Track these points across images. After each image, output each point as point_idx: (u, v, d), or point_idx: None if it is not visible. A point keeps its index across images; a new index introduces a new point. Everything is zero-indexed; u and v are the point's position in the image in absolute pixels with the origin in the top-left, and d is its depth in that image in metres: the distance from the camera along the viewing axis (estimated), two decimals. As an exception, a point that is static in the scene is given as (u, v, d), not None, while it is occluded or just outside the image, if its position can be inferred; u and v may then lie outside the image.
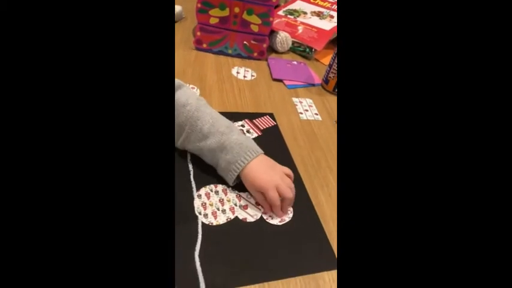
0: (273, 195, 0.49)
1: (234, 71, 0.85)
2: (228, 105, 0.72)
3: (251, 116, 0.70)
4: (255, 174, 0.50)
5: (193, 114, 0.53)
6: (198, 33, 0.85)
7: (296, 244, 0.48)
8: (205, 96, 0.73)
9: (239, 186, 0.53)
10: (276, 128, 0.69)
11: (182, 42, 0.90)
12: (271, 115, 0.72)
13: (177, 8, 0.99)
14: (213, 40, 0.86)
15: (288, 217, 0.51)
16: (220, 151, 0.52)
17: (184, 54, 0.85)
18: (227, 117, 0.56)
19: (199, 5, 0.80)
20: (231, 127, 0.54)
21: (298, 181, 0.58)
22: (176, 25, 0.98)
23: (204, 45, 0.87)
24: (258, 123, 0.69)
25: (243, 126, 0.68)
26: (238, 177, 0.52)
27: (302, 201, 0.55)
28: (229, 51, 0.89)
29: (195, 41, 0.86)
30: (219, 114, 0.56)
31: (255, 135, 0.66)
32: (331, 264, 0.46)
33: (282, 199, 0.50)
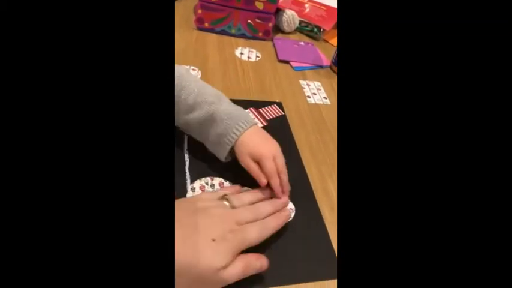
0: (271, 165, 0.44)
1: (237, 52, 0.80)
2: (231, 89, 0.68)
3: (258, 105, 0.66)
4: (250, 143, 0.45)
5: (175, 82, 0.47)
6: (200, 11, 0.79)
7: (297, 247, 0.44)
8: (207, 79, 0.69)
9: (239, 178, 0.49)
10: (283, 118, 0.64)
11: (183, 21, 0.85)
12: (279, 104, 0.68)
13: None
14: (216, 19, 0.81)
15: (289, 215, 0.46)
16: (210, 124, 0.47)
17: (185, 35, 0.80)
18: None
19: (200, -20, 0.75)
20: (218, 96, 0.49)
21: (303, 175, 0.55)
22: (176, 3, 0.93)
23: (206, 25, 0.82)
24: (264, 113, 0.64)
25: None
26: (232, 153, 0.48)
27: (306, 196, 0.51)
28: (233, 31, 0.84)
29: (196, 20, 0.81)
30: (203, 81, 0.51)
31: (260, 125, 0.62)
32: (333, 272, 0.42)
33: (279, 173, 0.45)
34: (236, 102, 0.69)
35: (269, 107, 0.66)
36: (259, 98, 0.68)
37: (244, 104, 0.65)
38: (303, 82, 0.76)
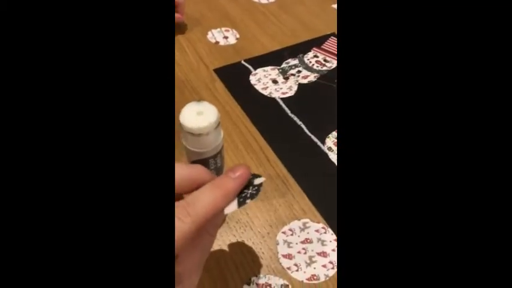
0: None
1: (252, -3, 0.69)
2: (277, 39, 0.59)
3: (316, 43, 0.58)
4: None
5: None
6: (193, -38, 0.66)
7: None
8: (248, 35, 0.59)
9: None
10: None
11: None
12: (334, 34, 0.60)
13: None
14: (212, -34, 0.68)
15: None
16: None
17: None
18: (291, 53, 0.45)
19: None
20: None
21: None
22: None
23: (203, -23, 0.69)
24: (328, 48, 0.57)
25: (316, 56, 0.56)
26: None
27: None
28: (233, -25, 0.71)
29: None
30: None
31: (335, 63, 0.54)
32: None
33: None
34: (293, 48, 0.60)
35: (328, 40, 0.59)
36: (310, 36, 0.60)
37: (304, 47, 0.58)
38: (335, 6, 0.68)
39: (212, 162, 0.32)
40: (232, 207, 0.28)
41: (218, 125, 0.30)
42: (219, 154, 0.32)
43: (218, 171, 0.34)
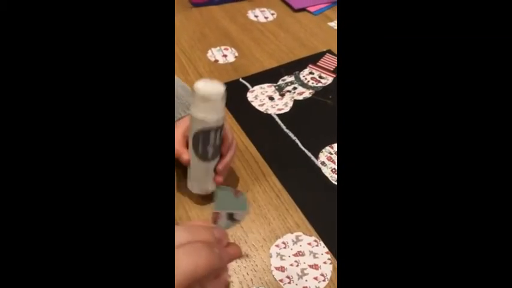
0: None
1: (251, 16, 0.71)
2: (275, 55, 0.62)
3: (311, 60, 0.60)
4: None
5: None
6: (194, -15, 0.69)
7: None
8: (246, 53, 0.62)
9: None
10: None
11: (177, 6, 0.74)
12: (330, 52, 0.62)
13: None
14: (213, -13, 0.71)
15: None
16: None
17: (186, 17, 0.70)
18: (287, 70, 0.47)
19: None
20: None
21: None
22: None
23: (204, -2, 0.72)
24: (325, 65, 0.59)
25: (311, 73, 0.58)
26: None
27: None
28: (233, -5, 0.74)
29: (193, -4, 0.71)
30: None
31: (330, 79, 0.57)
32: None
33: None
34: (290, 65, 0.62)
35: (324, 57, 0.61)
36: (307, 54, 0.62)
37: (300, 64, 0.60)
38: (331, 24, 0.71)
39: (213, 137, 0.36)
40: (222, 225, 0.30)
41: (224, 97, 0.35)
42: (220, 129, 0.36)
43: (216, 149, 0.37)
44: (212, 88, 0.34)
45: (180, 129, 0.39)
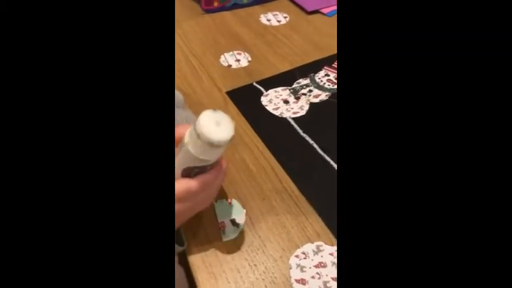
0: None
1: (264, 20, 0.71)
2: (289, 59, 0.60)
3: (327, 62, 0.58)
4: None
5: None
6: (206, -9, 0.69)
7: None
8: (259, 57, 0.60)
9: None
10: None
11: (185, 11, 0.74)
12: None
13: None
14: (224, -7, 0.71)
15: None
16: None
17: (198, 23, 0.70)
18: (302, 73, 0.47)
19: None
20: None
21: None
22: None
23: (216, 4, 0.71)
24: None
25: (327, 75, 0.56)
26: None
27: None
28: (244, 1, 0.73)
29: (204, 2, 0.70)
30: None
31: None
32: None
33: None
34: (304, 67, 0.61)
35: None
36: (321, 56, 0.60)
37: (315, 66, 0.58)
38: (346, 25, 0.69)
39: (208, 169, 0.31)
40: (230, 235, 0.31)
41: (233, 137, 0.29)
42: (216, 162, 0.31)
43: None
44: (221, 132, 0.28)
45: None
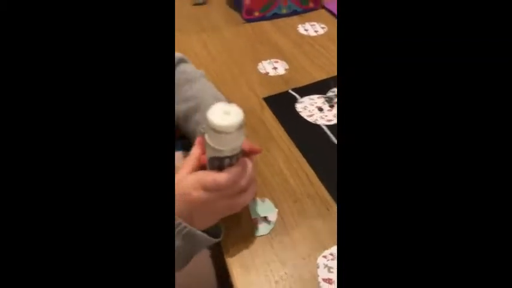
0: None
1: (301, 30, 0.73)
2: (327, 68, 0.62)
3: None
4: None
5: (186, 76, 0.48)
6: (247, 1, 0.72)
7: None
8: (296, 66, 0.63)
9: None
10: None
11: (227, 20, 0.78)
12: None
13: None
14: (265, 4, 0.74)
15: None
16: (193, 113, 0.45)
17: (239, 31, 0.73)
18: (336, 81, 0.49)
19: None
20: (215, 95, 0.46)
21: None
22: (204, 8, 0.86)
23: (256, 14, 0.75)
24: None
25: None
26: None
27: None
28: (284, 11, 0.76)
29: (245, 12, 0.74)
30: (211, 86, 0.49)
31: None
32: None
33: None
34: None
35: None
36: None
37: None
38: (384, 36, 0.70)
39: (227, 162, 0.33)
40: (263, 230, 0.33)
41: (241, 127, 0.31)
42: (235, 156, 0.33)
43: None
44: (227, 120, 0.30)
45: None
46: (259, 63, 0.64)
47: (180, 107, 0.46)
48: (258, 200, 0.42)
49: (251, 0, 0.72)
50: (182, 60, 0.50)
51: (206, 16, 0.80)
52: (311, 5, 0.78)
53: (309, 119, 0.52)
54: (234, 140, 0.32)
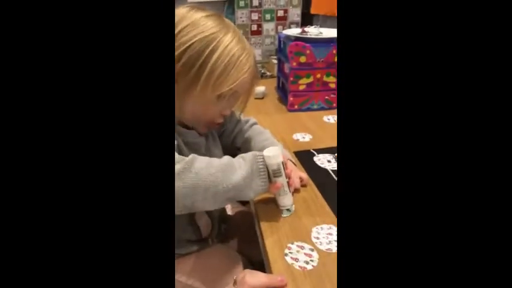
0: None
1: (325, 119, 1.08)
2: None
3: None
4: None
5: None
6: (291, 99, 1.11)
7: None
8: (319, 140, 0.96)
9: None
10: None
11: (276, 109, 1.18)
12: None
13: (261, 88, 1.29)
14: (302, 101, 1.12)
15: None
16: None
17: (283, 117, 1.11)
18: None
19: (291, 79, 1.08)
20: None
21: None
22: (262, 101, 1.27)
23: (296, 107, 1.13)
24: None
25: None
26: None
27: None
28: (315, 107, 1.14)
29: (289, 105, 1.13)
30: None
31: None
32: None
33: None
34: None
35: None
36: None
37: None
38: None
39: (280, 169, 0.62)
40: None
41: (280, 155, 0.60)
42: (282, 165, 0.62)
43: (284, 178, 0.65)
44: (273, 153, 0.59)
45: None
46: (294, 134, 0.98)
47: (260, 142, 0.78)
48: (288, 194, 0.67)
49: (293, 98, 1.11)
50: (256, 123, 0.87)
51: (263, 106, 1.20)
52: (334, 105, 1.15)
53: (321, 166, 0.82)
54: (279, 164, 0.61)
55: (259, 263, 0.70)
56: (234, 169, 0.57)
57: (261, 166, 0.59)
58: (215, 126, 0.73)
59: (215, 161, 0.57)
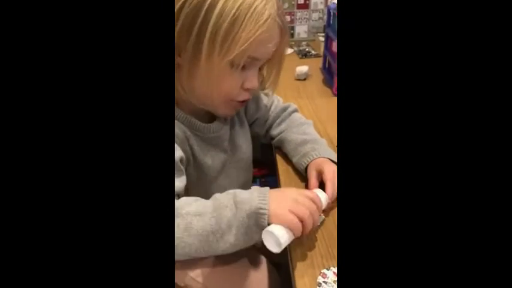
0: (292, 219, 0.43)
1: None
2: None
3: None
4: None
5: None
6: (337, 81, 0.97)
7: None
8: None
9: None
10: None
11: (320, 93, 1.04)
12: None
13: (304, 68, 1.15)
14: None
15: None
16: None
17: (328, 101, 0.97)
18: None
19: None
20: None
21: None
22: (304, 83, 1.13)
23: (343, 91, 0.98)
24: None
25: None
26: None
27: None
28: (366, 91, 0.98)
29: (335, 89, 0.98)
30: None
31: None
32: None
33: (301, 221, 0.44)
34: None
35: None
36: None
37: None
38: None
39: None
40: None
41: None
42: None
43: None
44: (282, 237, 0.44)
45: None
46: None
47: (298, 136, 0.67)
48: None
49: (341, 80, 0.97)
50: (296, 110, 0.75)
51: (305, 89, 1.07)
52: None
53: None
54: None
55: (281, 265, 0.60)
56: (220, 234, 0.42)
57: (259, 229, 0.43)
58: (239, 105, 0.57)
59: (195, 222, 0.42)
